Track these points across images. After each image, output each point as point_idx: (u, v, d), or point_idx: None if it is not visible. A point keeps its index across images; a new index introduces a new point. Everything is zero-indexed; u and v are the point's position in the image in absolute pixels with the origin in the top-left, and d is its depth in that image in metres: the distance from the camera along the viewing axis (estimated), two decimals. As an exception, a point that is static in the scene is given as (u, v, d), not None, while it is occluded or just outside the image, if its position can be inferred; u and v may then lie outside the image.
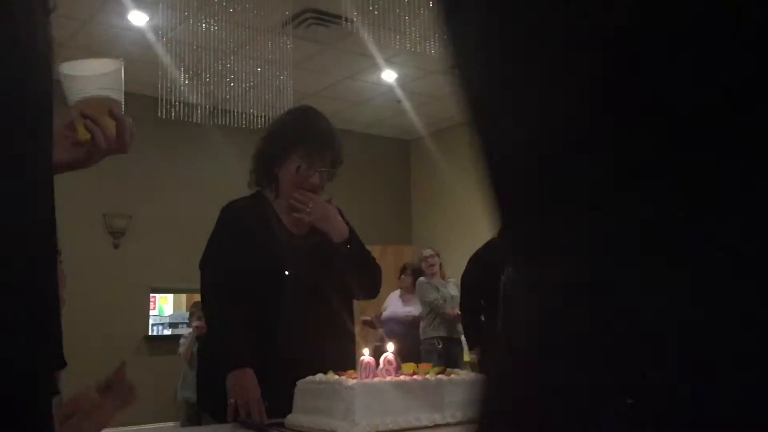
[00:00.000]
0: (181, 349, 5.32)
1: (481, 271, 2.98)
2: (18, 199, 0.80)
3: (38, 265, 0.81)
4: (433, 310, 5.69)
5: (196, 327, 5.01)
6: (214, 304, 2.05)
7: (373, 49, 5.78)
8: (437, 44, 5.09)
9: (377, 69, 6.41)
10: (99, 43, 5.66)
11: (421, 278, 6.17)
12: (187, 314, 6.11)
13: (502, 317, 2.75)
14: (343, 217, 2.27)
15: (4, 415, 0.74)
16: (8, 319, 0.76)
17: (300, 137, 2.08)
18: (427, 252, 6.28)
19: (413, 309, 5.90)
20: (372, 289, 2.21)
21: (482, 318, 2.93)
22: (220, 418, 1.89)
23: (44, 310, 0.82)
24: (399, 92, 6.97)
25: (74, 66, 1.14)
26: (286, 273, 2.00)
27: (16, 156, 0.79)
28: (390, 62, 6.25)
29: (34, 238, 0.83)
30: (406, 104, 7.26)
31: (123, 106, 1.15)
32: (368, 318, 6.15)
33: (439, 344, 5.54)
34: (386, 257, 7.85)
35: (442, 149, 8.11)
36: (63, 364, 0.89)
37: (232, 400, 1.85)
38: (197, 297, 2.15)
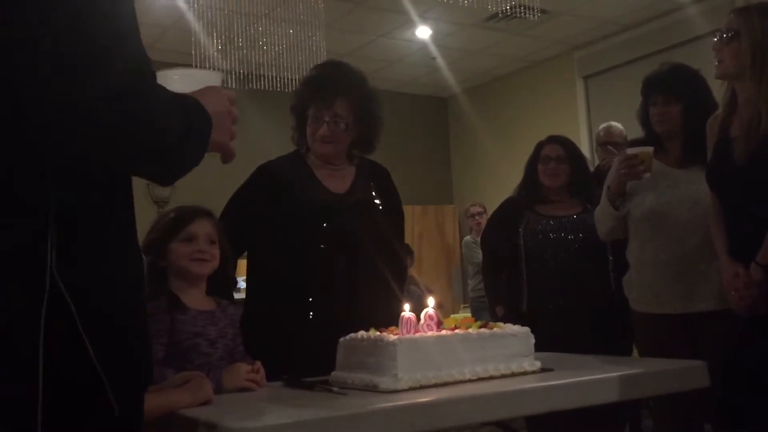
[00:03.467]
0: None
1: (499, 232, 2.92)
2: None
3: None
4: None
5: None
6: None
7: (406, 3, 5.67)
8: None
9: (411, 25, 6.29)
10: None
11: (467, 237, 6.08)
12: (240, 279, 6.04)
13: (525, 272, 2.73)
14: (390, 179, 2.23)
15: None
16: None
17: (310, 88, 2.06)
18: (474, 209, 6.12)
19: None
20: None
21: (503, 277, 2.90)
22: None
23: None
24: (433, 49, 6.84)
25: (180, 81, 1.15)
26: (324, 226, 1.99)
27: None
28: (424, 18, 6.13)
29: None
30: (441, 61, 7.12)
31: None
32: None
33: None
34: (427, 217, 7.81)
35: (478, 105, 7.97)
36: None
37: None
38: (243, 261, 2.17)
